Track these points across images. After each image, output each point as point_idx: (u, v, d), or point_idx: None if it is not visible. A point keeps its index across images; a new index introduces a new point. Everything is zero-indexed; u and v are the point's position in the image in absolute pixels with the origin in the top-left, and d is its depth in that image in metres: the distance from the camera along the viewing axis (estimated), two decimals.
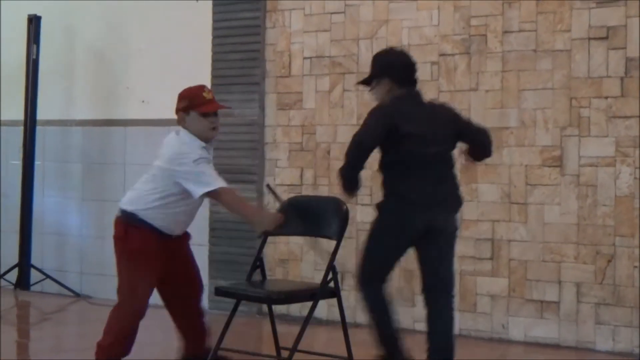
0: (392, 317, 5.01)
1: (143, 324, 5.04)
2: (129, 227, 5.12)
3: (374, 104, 6.68)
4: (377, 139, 4.85)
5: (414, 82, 5.09)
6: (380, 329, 4.97)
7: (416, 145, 4.88)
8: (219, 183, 4.93)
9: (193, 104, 5.11)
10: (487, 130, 5.28)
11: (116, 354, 5.02)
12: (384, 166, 5.01)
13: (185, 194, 4.96)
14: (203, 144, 5.05)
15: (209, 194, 4.95)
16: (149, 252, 5.08)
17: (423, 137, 4.89)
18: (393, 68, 5.06)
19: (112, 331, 5.04)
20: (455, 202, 5.12)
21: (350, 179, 4.99)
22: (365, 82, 5.18)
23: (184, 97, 5.18)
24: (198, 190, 4.91)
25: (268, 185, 5.39)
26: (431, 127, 4.94)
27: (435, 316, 5.01)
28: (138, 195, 5.15)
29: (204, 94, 5.15)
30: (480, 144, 5.18)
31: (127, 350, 5.06)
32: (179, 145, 5.06)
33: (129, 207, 5.14)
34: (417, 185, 4.91)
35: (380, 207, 5.04)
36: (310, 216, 5.25)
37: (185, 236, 5.30)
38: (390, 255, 5.04)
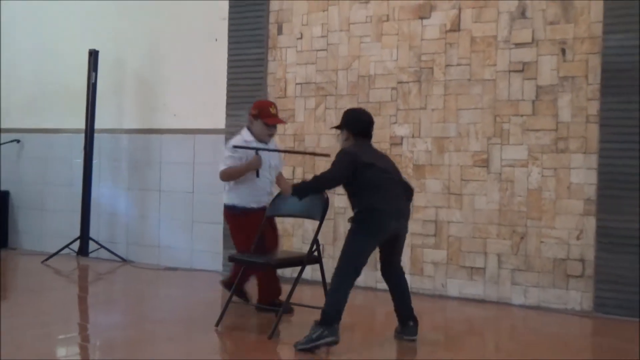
0: None
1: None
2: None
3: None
4: (347, 175, 4.75)
5: (369, 136, 5.01)
6: (343, 301, 4.68)
7: (378, 172, 4.80)
8: (221, 167, 5.37)
9: (262, 114, 5.43)
10: (410, 185, 5.15)
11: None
12: (358, 188, 4.79)
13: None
14: (252, 140, 5.41)
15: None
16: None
17: (381, 168, 4.83)
18: (354, 124, 4.99)
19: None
20: (408, 213, 5.02)
21: (315, 191, 4.93)
22: (337, 127, 5.12)
23: (257, 107, 5.50)
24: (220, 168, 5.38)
25: (257, 152, 5.38)
26: (383, 163, 4.92)
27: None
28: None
29: (271, 109, 5.46)
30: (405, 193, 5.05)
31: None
32: (237, 137, 5.50)
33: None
34: (389, 200, 4.80)
35: (359, 218, 4.78)
36: (299, 202, 5.12)
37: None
38: (368, 254, 4.83)
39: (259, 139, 5.43)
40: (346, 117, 5.09)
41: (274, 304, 5.41)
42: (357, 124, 5.02)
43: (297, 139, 7.20)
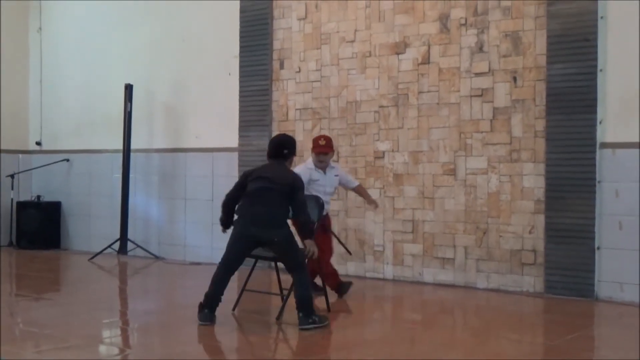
0: None
1: None
2: None
3: (335, 138, 6.47)
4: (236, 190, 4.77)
5: (274, 156, 4.84)
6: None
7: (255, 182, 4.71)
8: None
9: (313, 147, 5.63)
10: (306, 212, 4.79)
11: None
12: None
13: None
14: (313, 167, 5.57)
15: None
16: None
17: (264, 178, 4.70)
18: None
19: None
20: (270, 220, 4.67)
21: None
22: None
23: (312, 141, 5.70)
24: None
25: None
26: (270, 174, 4.74)
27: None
28: None
29: (320, 142, 5.60)
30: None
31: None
32: (302, 165, 5.73)
33: None
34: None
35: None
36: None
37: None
38: None
39: (316, 165, 5.60)
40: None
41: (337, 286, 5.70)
42: (269, 146, 5.05)
43: (298, 154, 6.92)
